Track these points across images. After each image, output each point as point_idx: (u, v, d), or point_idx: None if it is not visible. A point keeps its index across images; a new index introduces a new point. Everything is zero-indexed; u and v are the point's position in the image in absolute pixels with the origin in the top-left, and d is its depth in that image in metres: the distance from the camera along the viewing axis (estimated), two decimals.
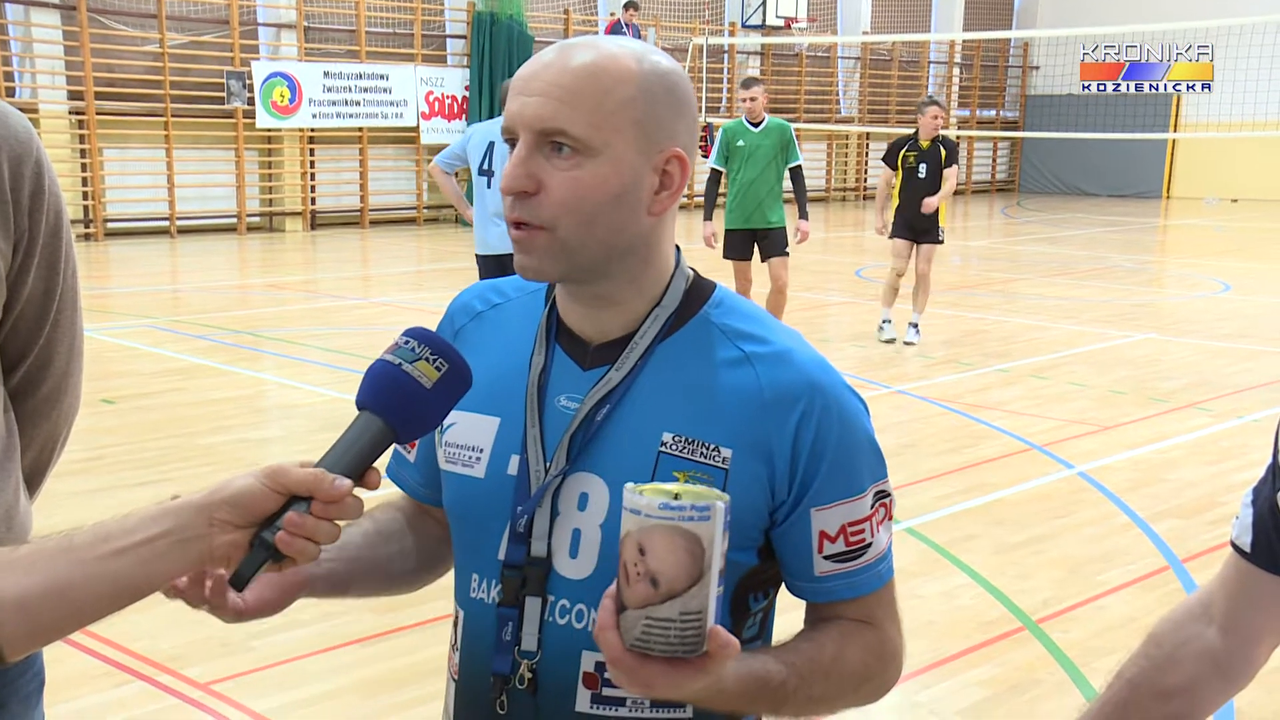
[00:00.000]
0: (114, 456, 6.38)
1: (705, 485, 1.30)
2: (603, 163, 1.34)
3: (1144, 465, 6.53)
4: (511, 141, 1.38)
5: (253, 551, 1.17)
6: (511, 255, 1.43)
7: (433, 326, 1.46)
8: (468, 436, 1.48)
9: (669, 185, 1.39)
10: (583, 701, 1.42)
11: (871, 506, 1.43)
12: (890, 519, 1.47)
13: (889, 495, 1.46)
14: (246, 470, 1.21)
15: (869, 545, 1.43)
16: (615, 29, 19.05)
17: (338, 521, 1.21)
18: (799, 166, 9.61)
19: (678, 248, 1.48)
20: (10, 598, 1.15)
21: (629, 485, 1.19)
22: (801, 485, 1.40)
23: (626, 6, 19.20)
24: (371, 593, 1.62)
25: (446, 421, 1.49)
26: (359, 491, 1.24)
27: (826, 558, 1.42)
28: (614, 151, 1.34)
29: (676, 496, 1.19)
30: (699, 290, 1.47)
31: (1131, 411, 7.69)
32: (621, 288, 1.42)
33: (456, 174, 7.68)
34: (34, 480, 1.76)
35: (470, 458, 1.47)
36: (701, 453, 1.38)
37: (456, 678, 1.50)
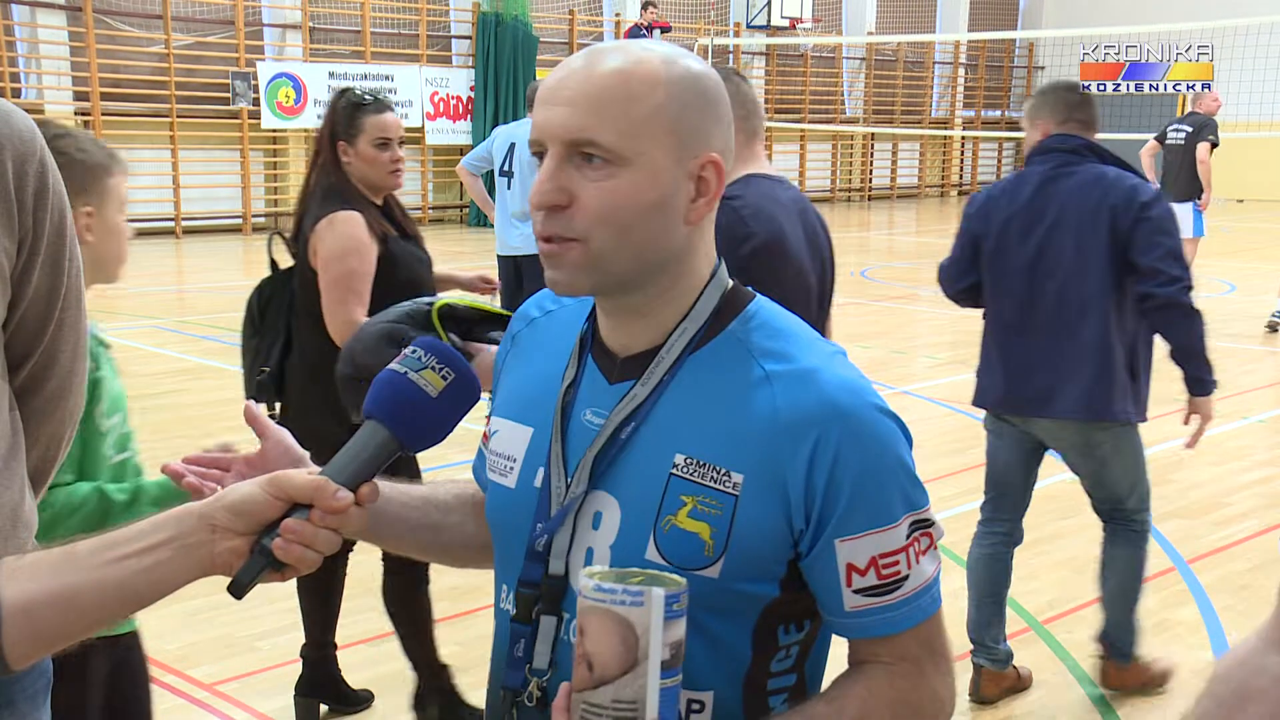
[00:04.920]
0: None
1: (676, 573, 1.26)
2: (636, 171, 1.30)
3: (1149, 466, 6.50)
4: (540, 154, 1.33)
5: (252, 558, 1.17)
6: (530, 257, 1.41)
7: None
8: (505, 445, 1.46)
9: (705, 192, 1.35)
10: None
11: (907, 537, 1.34)
12: (934, 548, 1.38)
13: (930, 524, 1.37)
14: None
15: (905, 578, 1.34)
16: (634, 33, 19.01)
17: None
18: None
19: (720, 256, 1.43)
20: (16, 605, 1.15)
21: (586, 568, 1.18)
22: (821, 516, 1.32)
23: (645, 6, 19.19)
24: (422, 554, 1.62)
25: (493, 428, 1.49)
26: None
27: (857, 591, 1.33)
28: (648, 160, 1.30)
29: (637, 580, 1.17)
30: (734, 302, 1.40)
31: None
32: (653, 299, 1.37)
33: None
34: (39, 479, 1.76)
35: (506, 466, 1.45)
36: (712, 477, 1.32)
37: (489, 685, 1.49)
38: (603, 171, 1.30)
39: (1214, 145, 10.76)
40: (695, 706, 1.36)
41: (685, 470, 1.33)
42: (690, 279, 1.39)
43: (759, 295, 1.45)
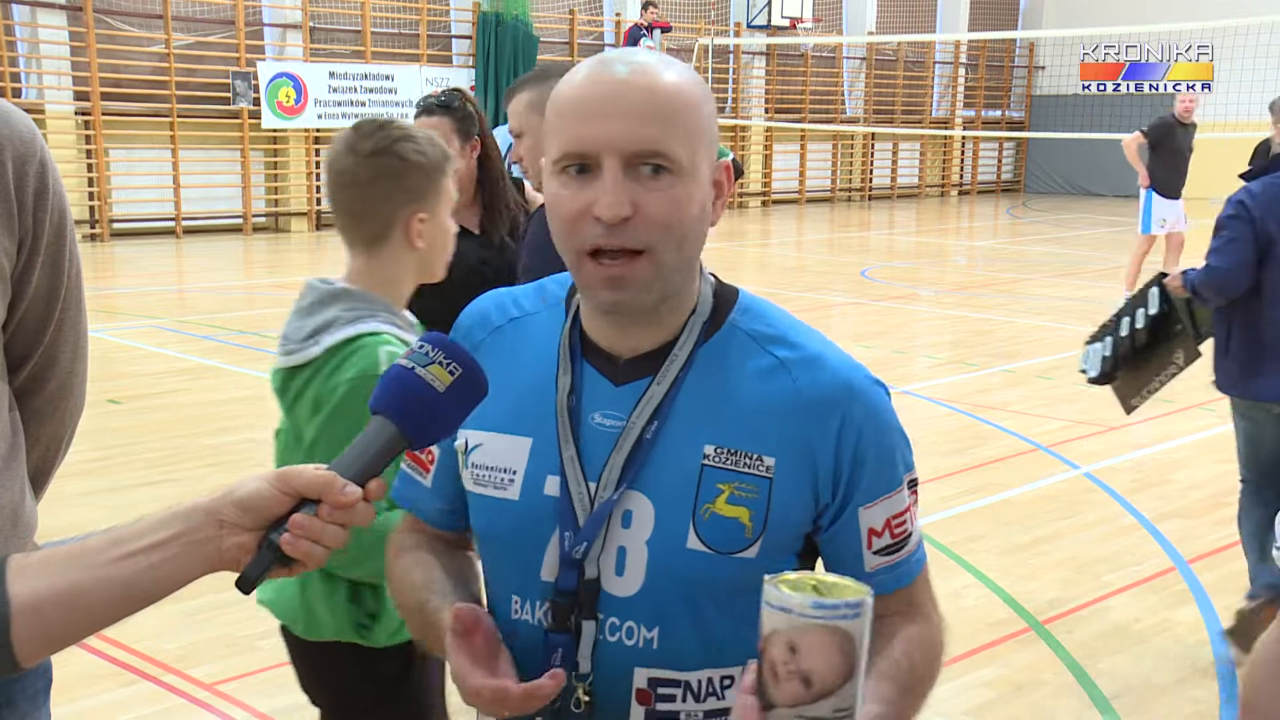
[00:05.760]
0: (120, 457, 6.39)
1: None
2: (691, 181, 1.34)
3: (1149, 466, 6.52)
4: (581, 166, 1.33)
5: (260, 553, 1.17)
6: None
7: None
8: (498, 458, 1.45)
9: (720, 195, 1.41)
10: (637, 718, 1.42)
11: (909, 496, 1.46)
12: (917, 503, 1.50)
13: (917, 480, 1.49)
14: (255, 472, 1.21)
15: (910, 535, 1.46)
16: (634, 32, 18.98)
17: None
18: (731, 164, 8.06)
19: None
20: (24, 602, 1.15)
21: (771, 579, 1.17)
22: (848, 488, 1.40)
23: (645, 6, 19.18)
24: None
25: (473, 442, 1.48)
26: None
27: (876, 553, 1.43)
28: (698, 169, 1.35)
29: (816, 588, 1.16)
30: (724, 297, 1.46)
31: (1137, 412, 7.68)
32: (669, 303, 1.41)
33: None
34: (39, 479, 1.76)
35: (503, 480, 1.44)
36: (745, 463, 1.38)
37: (472, 705, 1.46)
38: (665, 181, 1.32)
39: (1145, 135, 11.45)
40: (726, 682, 1.43)
41: (717, 459, 1.38)
42: (695, 280, 1.43)
43: (739, 287, 1.50)
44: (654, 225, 1.32)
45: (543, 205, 3.07)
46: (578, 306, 1.46)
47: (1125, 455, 6.71)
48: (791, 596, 1.15)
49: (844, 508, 1.41)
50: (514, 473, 1.44)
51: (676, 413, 1.39)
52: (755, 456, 1.38)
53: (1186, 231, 11.28)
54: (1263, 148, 10.97)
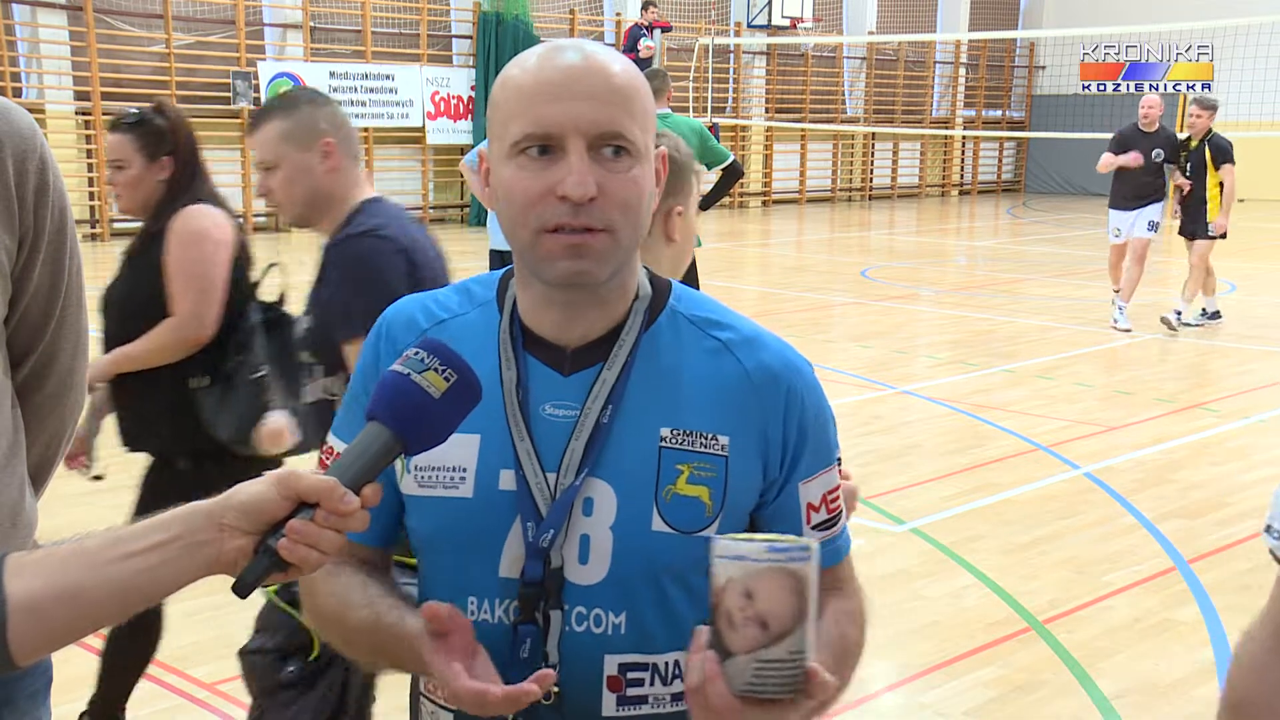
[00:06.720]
0: (120, 457, 6.37)
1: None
2: (645, 164, 1.38)
3: (1150, 466, 6.52)
4: (543, 147, 1.34)
5: (257, 557, 1.17)
6: None
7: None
8: (445, 457, 1.43)
9: (658, 183, 1.44)
10: (609, 705, 1.42)
11: (838, 474, 1.51)
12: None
13: (841, 459, 1.54)
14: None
15: (841, 511, 1.51)
16: (634, 32, 18.98)
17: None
18: (733, 165, 7.77)
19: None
20: (21, 600, 1.15)
21: (723, 536, 1.22)
22: (792, 462, 1.46)
23: (645, 6, 19.18)
24: None
25: None
26: None
27: (814, 528, 1.48)
28: (649, 153, 1.40)
29: (762, 541, 1.22)
30: (658, 284, 1.50)
31: (1137, 412, 7.68)
32: (617, 286, 1.43)
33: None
34: (39, 477, 1.76)
35: (453, 478, 1.43)
36: (701, 443, 1.41)
37: (455, 706, 1.45)
38: (625, 163, 1.36)
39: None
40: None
41: (674, 441, 1.41)
42: (636, 264, 1.47)
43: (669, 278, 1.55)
44: (616, 206, 1.35)
45: (345, 239, 3.04)
46: (514, 301, 1.47)
47: (1125, 455, 6.71)
48: (746, 544, 1.20)
49: (787, 482, 1.46)
50: (464, 470, 1.43)
51: (630, 397, 1.41)
52: (710, 436, 1.41)
53: (1149, 237, 10.54)
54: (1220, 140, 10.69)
